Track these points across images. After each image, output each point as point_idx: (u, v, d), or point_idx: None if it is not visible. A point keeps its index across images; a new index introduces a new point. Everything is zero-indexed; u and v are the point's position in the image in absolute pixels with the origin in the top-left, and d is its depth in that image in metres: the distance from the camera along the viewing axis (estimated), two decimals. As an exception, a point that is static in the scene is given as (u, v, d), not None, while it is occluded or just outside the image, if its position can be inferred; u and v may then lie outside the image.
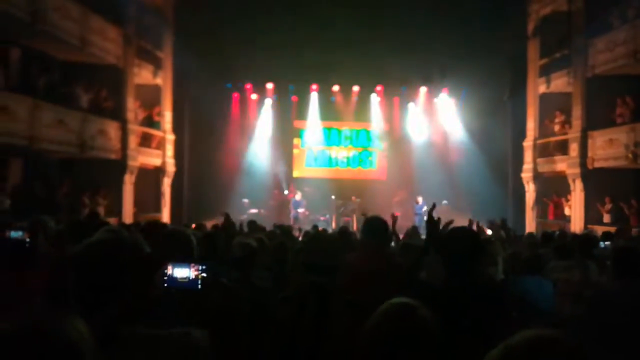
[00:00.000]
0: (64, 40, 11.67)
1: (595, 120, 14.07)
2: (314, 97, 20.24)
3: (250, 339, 2.63)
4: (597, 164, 13.79)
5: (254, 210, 17.33)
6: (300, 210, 17.71)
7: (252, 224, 8.13)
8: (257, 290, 3.53)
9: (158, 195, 15.82)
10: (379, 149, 21.24)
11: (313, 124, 20.82)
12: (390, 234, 3.66)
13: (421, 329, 1.60)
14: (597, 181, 13.99)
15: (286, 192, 18.66)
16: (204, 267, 2.08)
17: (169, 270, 2.04)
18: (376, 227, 3.46)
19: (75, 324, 1.20)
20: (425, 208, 16.65)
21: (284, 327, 2.53)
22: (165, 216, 15.66)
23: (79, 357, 1.16)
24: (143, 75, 14.97)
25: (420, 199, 17.38)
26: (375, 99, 20.47)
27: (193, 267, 2.08)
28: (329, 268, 2.63)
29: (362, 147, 21.29)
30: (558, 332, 1.17)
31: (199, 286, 2.06)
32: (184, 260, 2.11)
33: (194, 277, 2.06)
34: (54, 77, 12.52)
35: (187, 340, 1.56)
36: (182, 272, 2.05)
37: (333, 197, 18.58)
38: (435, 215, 3.05)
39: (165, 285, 2.01)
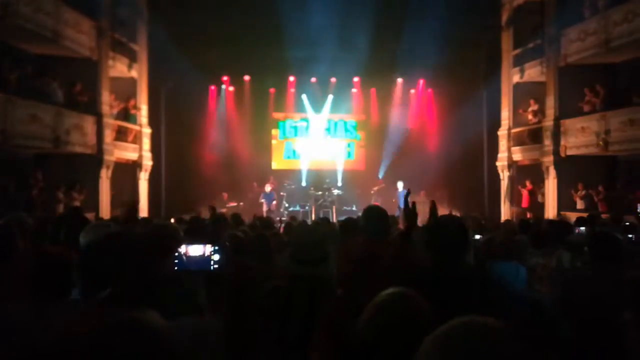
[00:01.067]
0: (37, 34, 11.42)
1: (568, 109, 14.36)
2: (291, 90, 20.23)
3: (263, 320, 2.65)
4: (569, 152, 14.10)
5: (233, 204, 17.29)
6: (273, 202, 17.71)
7: (236, 217, 8.12)
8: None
9: (135, 189, 15.66)
10: (357, 139, 21.38)
11: (290, 115, 20.84)
12: (389, 222, 3.66)
13: (417, 316, 1.61)
14: (570, 169, 14.30)
15: (268, 186, 18.62)
16: (216, 247, 2.08)
17: (184, 249, 2.04)
18: (376, 215, 3.45)
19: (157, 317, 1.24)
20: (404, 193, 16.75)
21: (273, 317, 2.55)
22: (143, 211, 15.51)
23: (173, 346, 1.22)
24: (118, 68, 14.75)
25: (400, 185, 17.50)
26: (352, 91, 20.56)
27: (207, 247, 2.08)
28: (317, 260, 2.67)
29: (340, 138, 21.37)
30: (489, 318, 1.20)
31: (212, 267, 2.07)
32: (198, 239, 2.11)
33: (207, 255, 2.06)
34: (27, 71, 12.24)
35: (200, 328, 1.60)
36: (196, 251, 2.05)
37: (312, 188, 18.64)
38: (410, 201, 3.11)
39: (176, 268, 2.01)
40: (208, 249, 2.06)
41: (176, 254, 2.03)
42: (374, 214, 3.44)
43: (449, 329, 1.05)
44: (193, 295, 1.97)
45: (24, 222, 5.51)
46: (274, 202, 17.71)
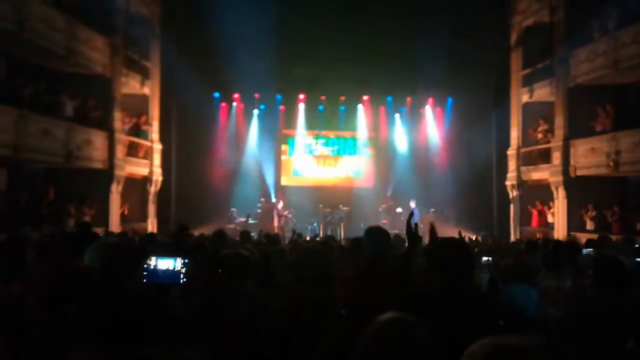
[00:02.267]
0: (50, 50, 11.62)
1: (578, 129, 14.31)
2: (301, 107, 20.38)
3: (244, 344, 2.64)
4: (579, 172, 14.01)
5: (242, 219, 17.32)
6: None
7: (244, 234, 8.14)
8: (250, 300, 3.57)
9: (145, 204, 15.75)
10: (366, 157, 21.41)
11: (300, 133, 20.96)
12: (389, 243, 3.67)
13: (417, 344, 1.56)
14: (579, 189, 14.21)
15: (274, 200, 18.69)
16: (186, 261, 2.02)
17: (152, 263, 1.97)
18: (377, 236, 3.49)
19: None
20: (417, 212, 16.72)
21: (276, 338, 2.53)
22: (152, 226, 15.60)
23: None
24: (131, 84, 14.95)
25: (412, 203, 17.36)
26: (361, 109, 20.66)
27: (178, 260, 2.01)
28: (320, 280, 2.67)
29: (349, 155, 21.42)
30: (514, 338, 1.18)
31: (182, 280, 2.00)
32: (168, 253, 2.05)
33: (177, 270, 1.99)
34: (40, 87, 12.45)
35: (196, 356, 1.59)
36: (166, 264, 1.98)
37: (320, 205, 18.64)
38: (420, 222, 3.11)
39: (145, 281, 1.96)
40: (179, 262, 2.01)
41: (145, 266, 1.99)
42: (375, 234, 3.48)
43: (481, 349, 1.03)
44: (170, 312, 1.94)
45: (28, 237, 5.55)
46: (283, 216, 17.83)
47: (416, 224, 2.81)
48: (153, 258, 1.99)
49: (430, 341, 1.58)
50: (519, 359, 0.94)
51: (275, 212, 17.99)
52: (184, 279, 1.96)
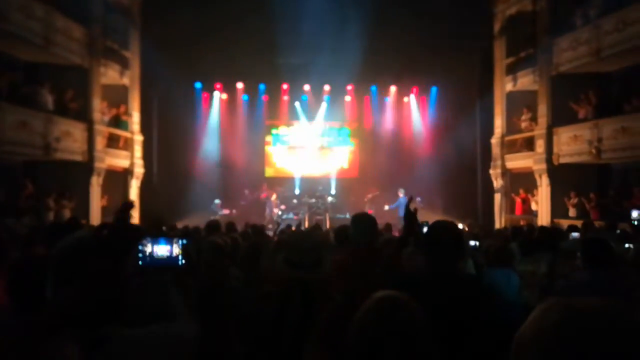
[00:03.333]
0: (28, 40, 11.33)
1: (561, 117, 14.41)
2: (285, 97, 20.25)
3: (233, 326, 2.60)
4: (562, 160, 14.12)
5: (226, 211, 17.19)
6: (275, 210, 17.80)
7: (230, 225, 8.09)
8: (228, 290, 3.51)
9: (126, 197, 15.52)
10: (350, 146, 21.38)
11: (284, 122, 20.85)
12: (376, 230, 3.66)
13: (411, 321, 1.57)
14: (562, 176, 14.32)
15: (264, 193, 18.58)
16: (184, 242, 1.96)
17: (147, 247, 1.91)
18: (365, 223, 3.47)
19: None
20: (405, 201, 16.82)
21: (266, 323, 2.52)
22: (135, 219, 15.39)
23: None
24: (109, 75, 14.66)
25: (401, 192, 17.42)
26: (346, 98, 20.59)
27: (175, 242, 1.95)
28: (312, 264, 2.62)
29: (333, 146, 21.37)
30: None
31: (180, 262, 1.94)
32: (164, 235, 2.00)
33: (175, 253, 1.93)
34: (17, 78, 12.17)
35: (172, 334, 1.54)
36: (162, 249, 1.92)
37: (305, 195, 18.58)
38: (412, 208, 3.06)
39: (141, 263, 1.89)
40: (175, 247, 1.93)
41: (140, 249, 1.91)
42: (362, 221, 3.46)
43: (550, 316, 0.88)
44: (163, 295, 1.88)
45: (13, 229, 5.41)
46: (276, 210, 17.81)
47: (416, 209, 2.76)
48: (148, 243, 1.90)
49: (423, 317, 1.59)
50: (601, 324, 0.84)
51: (267, 204, 17.92)
52: (183, 261, 1.89)
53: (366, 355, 1.56)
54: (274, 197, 18.11)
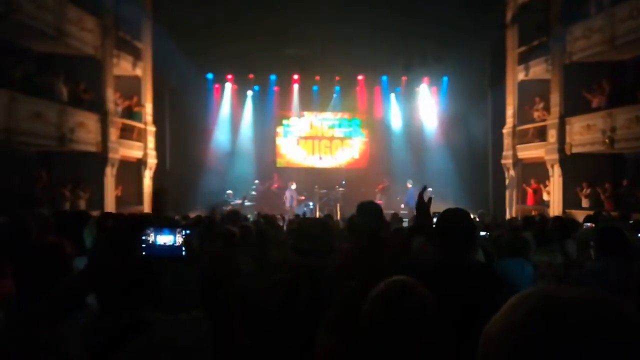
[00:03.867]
0: (40, 31, 11.40)
1: (573, 107, 14.26)
2: (295, 88, 20.25)
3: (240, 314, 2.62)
4: (574, 150, 14.00)
5: (238, 201, 17.27)
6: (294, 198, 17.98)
7: (236, 214, 8.15)
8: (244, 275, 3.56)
9: (140, 187, 15.67)
10: (361, 137, 21.35)
11: (295, 113, 20.87)
12: (382, 218, 3.67)
13: (420, 306, 1.57)
14: (575, 166, 14.20)
15: (275, 183, 18.66)
16: (188, 232, 1.96)
17: (150, 237, 1.92)
18: (370, 212, 3.46)
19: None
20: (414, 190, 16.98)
21: (275, 311, 2.51)
22: (147, 209, 15.53)
23: None
24: (122, 66, 14.74)
25: (410, 183, 17.48)
26: (356, 89, 20.54)
27: (178, 232, 1.94)
28: (320, 252, 2.63)
29: (344, 136, 21.36)
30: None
31: (183, 252, 1.94)
32: (167, 225, 1.99)
33: (178, 243, 1.93)
34: (31, 69, 12.27)
35: (195, 322, 1.58)
36: (165, 239, 1.92)
37: (316, 186, 18.61)
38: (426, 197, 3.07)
39: (144, 253, 1.90)
40: (179, 237, 1.93)
41: (143, 239, 1.92)
42: (368, 209, 3.45)
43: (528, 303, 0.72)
44: (180, 283, 1.90)
45: (44, 218, 5.46)
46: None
47: (430, 198, 2.76)
48: (151, 232, 1.91)
49: (433, 301, 1.59)
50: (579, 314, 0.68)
51: (289, 195, 18.01)
52: (186, 252, 1.90)
53: (376, 340, 1.57)
54: (294, 186, 18.20)
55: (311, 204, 17.98)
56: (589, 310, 0.69)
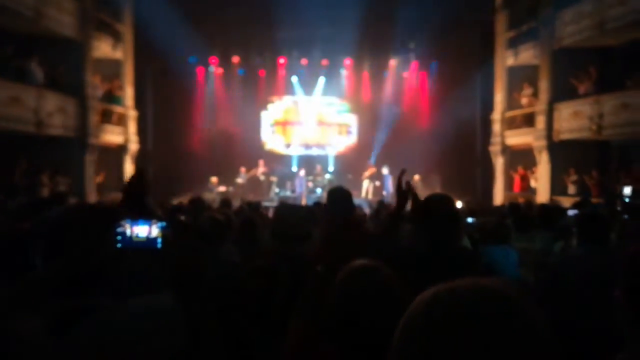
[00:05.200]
0: (18, 12, 11.08)
1: (562, 93, 14.20)
2: (281, 71, 19.99)
3: (217, 306, 2.56)
4: (562, 136, 13.97)
5: (222, 188, 17.07)
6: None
7: (225, 202, 8.00)
8: (224, 263, 3.45)
9: (121, 173, 15.41)
10: (348, 123, 21.18)
11: (281, 97, 20.63)
12: (352, 203, 3.63)
13: (383, 288, 1.60)
14: (562, 153, 14.19)
15: (261, 169, 18.40)
16: (164, 225, 1.91)
17: (126, 228, 1.86)
18: (340, 197, 3.48)
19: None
20: (390, 178, 17.02)
21: (255, 298, 2.49)
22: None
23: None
24: (102, 49, 14.42)
25: (385, 170, 17.51)
26: (344, 73, 20.33)
27: (154, 224, 1.89)
28: (300, 237, 2.58)
29: (332, 121, 21.16)
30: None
31: (159, 245, 1.89)
32: (143, 217, 1.92)
33: (154, 235, 1.88)
34: (7, 52, 11.93)
35: (158, 305, 1.56)
36: (141, 230, 1.86)
37: (302, 172, 18.45)
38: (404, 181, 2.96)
39: (120, 245, 1.84)
40: (154, 228, 1.87)
41: (117, 231, 1.86)
42: (338, 194, 3.50)
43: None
44: (143, 272, 1.86)
45: (4, 205, 5.27)
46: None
47: (408, 182, 2.68)
48: (126, 223, 1.83)
49: (397, 283, 1.63)
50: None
51: (297, 181, 17.90)
52: (162, 244, 1.83)
53: (342, 322, 1.61)
54: (302, 172, 18.09)
55: (319, 190, 17.83)
56: (471, 299, 0.72)
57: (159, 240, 1.86)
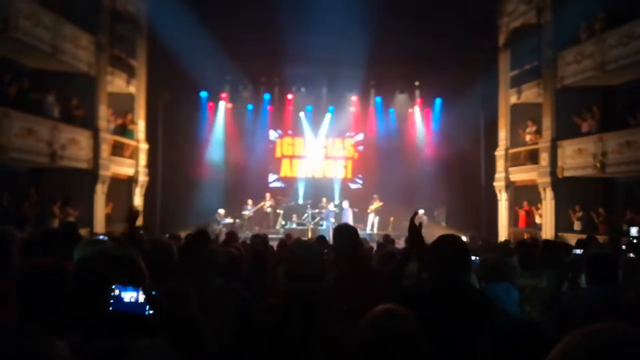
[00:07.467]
0: (36, 48, 11.41)
1: (565, 130, 14.38)
2: (289, 107, 20.33)
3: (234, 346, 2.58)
4: (566, 173, 14.07)
5: (229, 220, 17.18)
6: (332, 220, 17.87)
7: (230, 235, 8.07)
8: (242, 297, 3.50)
9: (130, 205, 15.53)
10: (354, 157, 21.40)
11: (288, 132, 20.92)
12: (359, 241, 3.70)
13: (408, 336, 1.60)
14: (567, 190, 14.27)
15: (268, 202, 18.54)
16: (153, 292, 1.89)
17: (116, 292, 1.86)
18: (346, 234, 3.53)
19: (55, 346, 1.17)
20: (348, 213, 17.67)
21: (268, 336, 2.48)
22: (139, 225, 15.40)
23: None
24: (116, 83, 14.75)
25: (345, 204, 18.20)
26: (350, 109, 20.64)
27: (141, 290, 1.88)
28: (314, 277, 2.60)
29: (337, 156, 21.39)
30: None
31: (147, 312, 1.87)
32: (133, 283, 1.92)
33: (141, 300, 1.87)
34: (24, 85, 12.24)
35: (163, 349, 1.61)
36: (128, 296, 1.86)
37: (309, 205, 18.57)
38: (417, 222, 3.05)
39: (111, 308, 1.85)
40: (141, 295, 1.87)
41: (111, 292, 1.87)
42: (344, 232, 3.55)
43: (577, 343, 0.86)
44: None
45: (12, 235, 5.36)
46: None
47: (421, 224, 2.75)
48: (116, 288, 1.85)
49: (421, 332, 1.64)
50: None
51: (325, 212, 18.12)
52: (150, 311, 1.83)
53: None
54: (331, 205, 18.23)
55: (324, 223, 17.94)
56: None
57: (147, 306, 1.84)
